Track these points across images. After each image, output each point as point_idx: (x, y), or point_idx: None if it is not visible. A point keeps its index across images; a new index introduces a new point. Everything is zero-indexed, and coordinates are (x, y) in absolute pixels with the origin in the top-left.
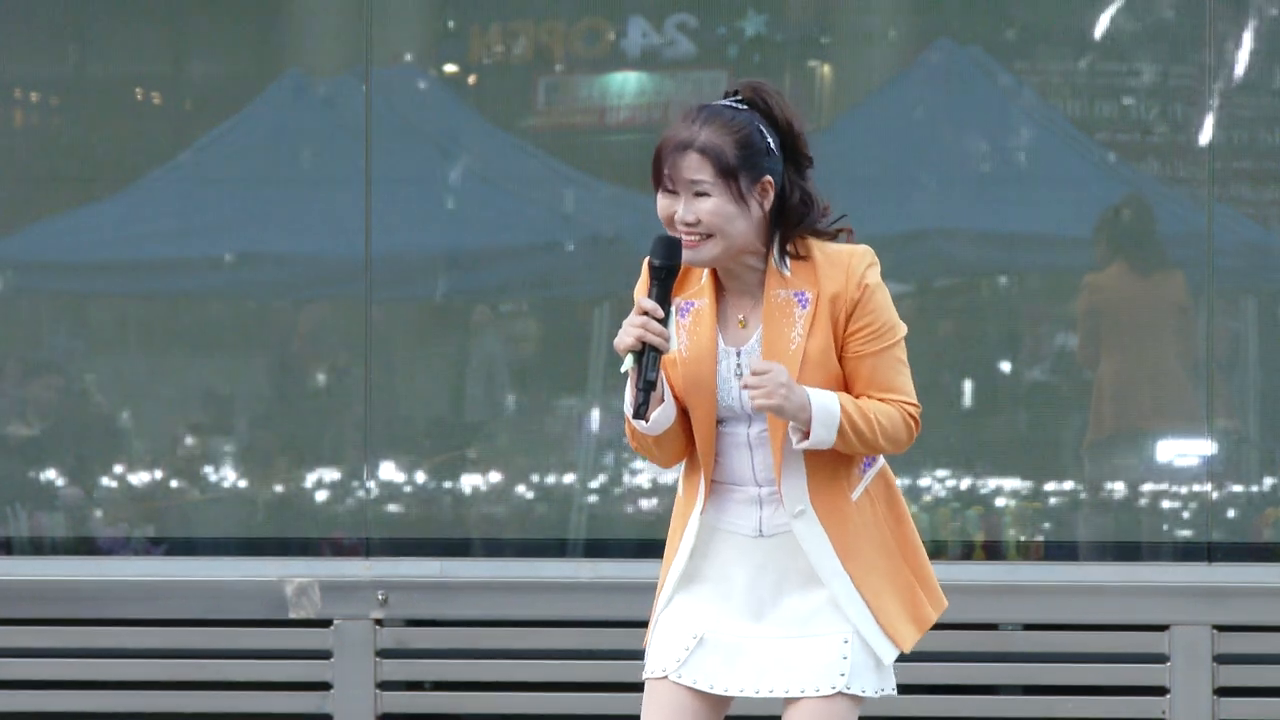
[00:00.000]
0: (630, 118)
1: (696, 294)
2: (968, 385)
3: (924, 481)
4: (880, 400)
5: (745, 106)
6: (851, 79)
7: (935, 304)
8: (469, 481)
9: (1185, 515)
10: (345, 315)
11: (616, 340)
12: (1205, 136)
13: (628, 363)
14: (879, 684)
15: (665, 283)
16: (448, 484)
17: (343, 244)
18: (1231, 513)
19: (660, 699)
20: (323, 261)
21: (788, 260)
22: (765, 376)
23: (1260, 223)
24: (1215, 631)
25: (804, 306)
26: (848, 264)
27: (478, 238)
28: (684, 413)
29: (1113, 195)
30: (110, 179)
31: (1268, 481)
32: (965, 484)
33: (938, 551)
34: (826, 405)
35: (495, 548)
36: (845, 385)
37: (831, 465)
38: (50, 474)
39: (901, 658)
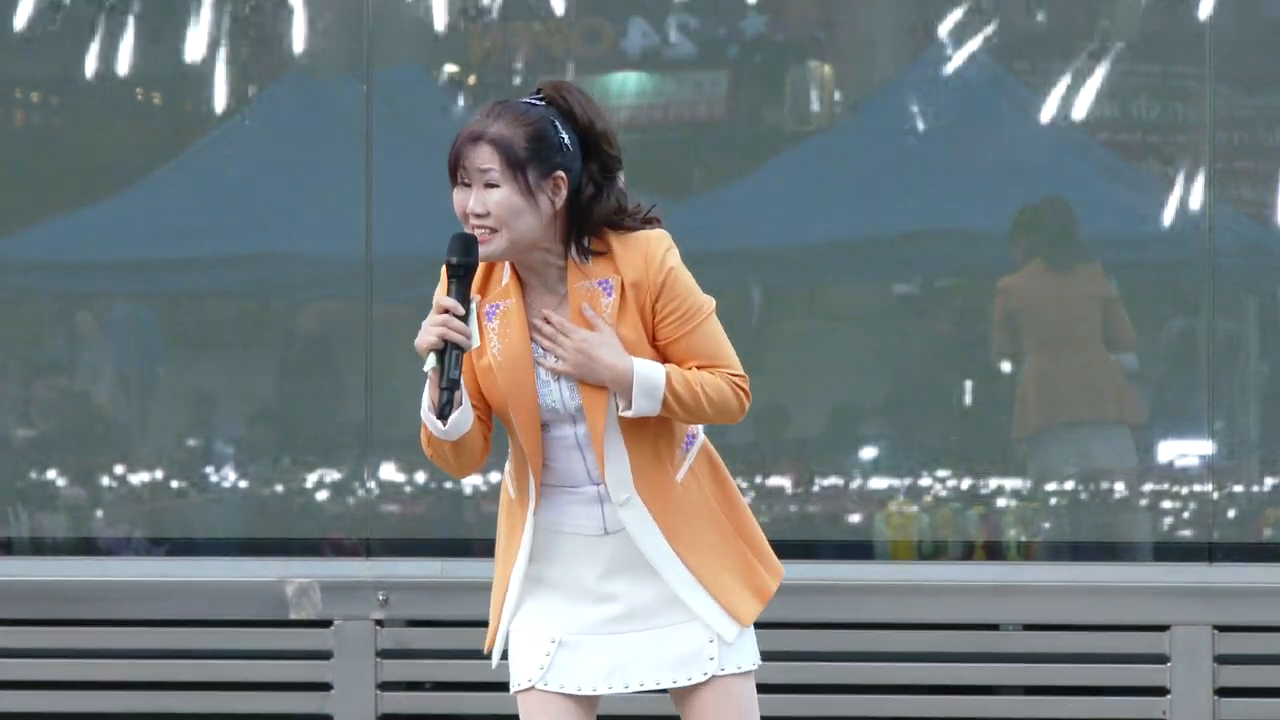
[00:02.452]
0: (630, 118)
1: (501, 295)
2: (968, 385)
3: (924, 481)
4: (707, 371)
5: (544, 103)
6: (851, 79)
7: (935, 304)
8: (469, 481)
9: (1185, 515)
10: (345, 315)
11: (417, 340)
12: (1205, 136)
13: (430, 362)
14: (754, 657)
15: (464, 280)
16: (448, 484)
17: (343, 244)
18: (1232, 513)
19: (534, 710)
20: (323, 261)
21: (588, 256)
22: (565, 339)
23: (1260, 223)
24: (1215, 631)
25: (609, 295)
26: (645, 250)
27: None
28: (480, 419)
29: (1114, 195)
30: (110, 179)
31: (1268, 481)
32: (965, 484)
33: (938, 551)
34: (650, 375)
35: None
36: None
37: (654, 449)
38: (50, 474)
39: (902, 657)
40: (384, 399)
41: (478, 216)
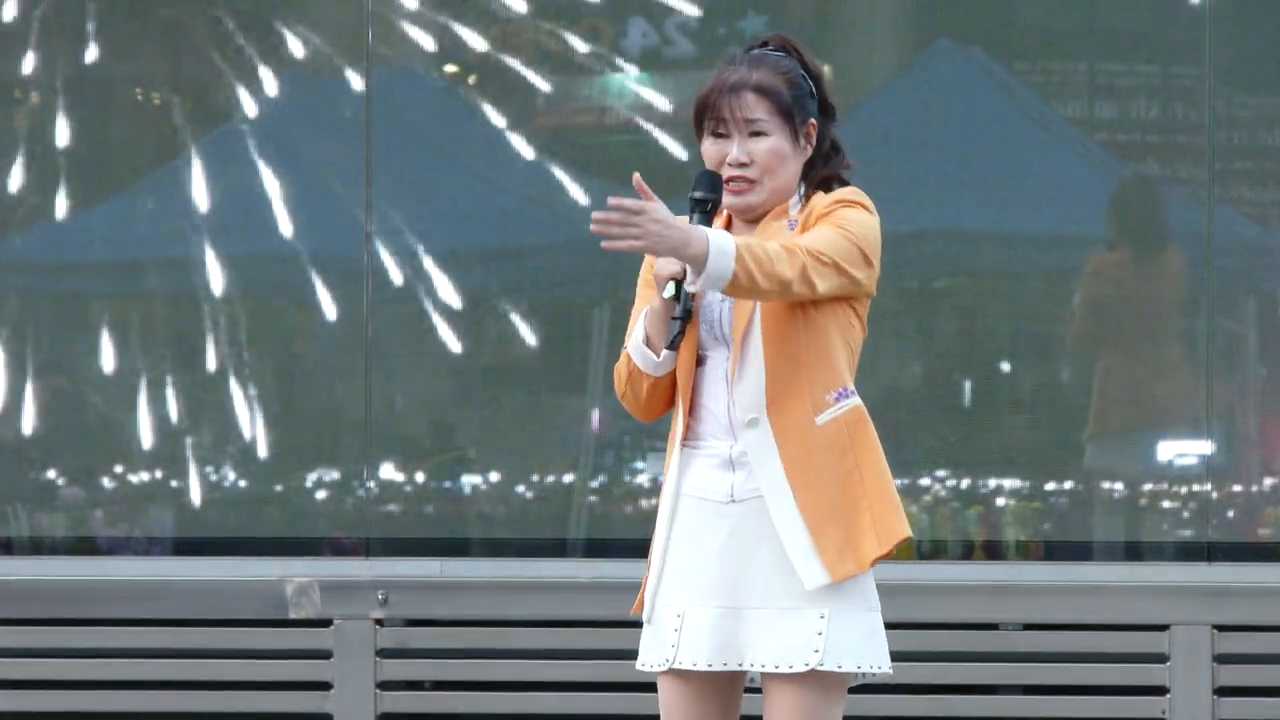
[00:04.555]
0: (630, 118)
1: None
2: (968, 385)
3: (924, 481)
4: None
5: (783, 54)
6: (851, 79)
7: (935, 304)
8: (469, 481)
9: (1185, 515)
10: (345, 315)
11: (657, 268)
12: (1205, 136)
13: (669, 290)
14: (861, 658)
15: (708, 215)
16: (448, 484)
17: (343, 244)
18: (1231, 513)
19: (672, 691)
20: (323, 261)
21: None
22: (638, 217)
23: (1260, 223)
24: (1215, 631)
25: (793, 227)
26: (835, 193)
27: (478, 238)
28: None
29: (1113, 195)
30: (110, 179)
31: (1268, 481)
32: (965, 484)
33: (937, 551)
34: (720, 236)
35: (495, 548)
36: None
37: (792, 377)
38: (50, 474)
39: (902, 657)
40: (383, 399)
41: (740, 166)
